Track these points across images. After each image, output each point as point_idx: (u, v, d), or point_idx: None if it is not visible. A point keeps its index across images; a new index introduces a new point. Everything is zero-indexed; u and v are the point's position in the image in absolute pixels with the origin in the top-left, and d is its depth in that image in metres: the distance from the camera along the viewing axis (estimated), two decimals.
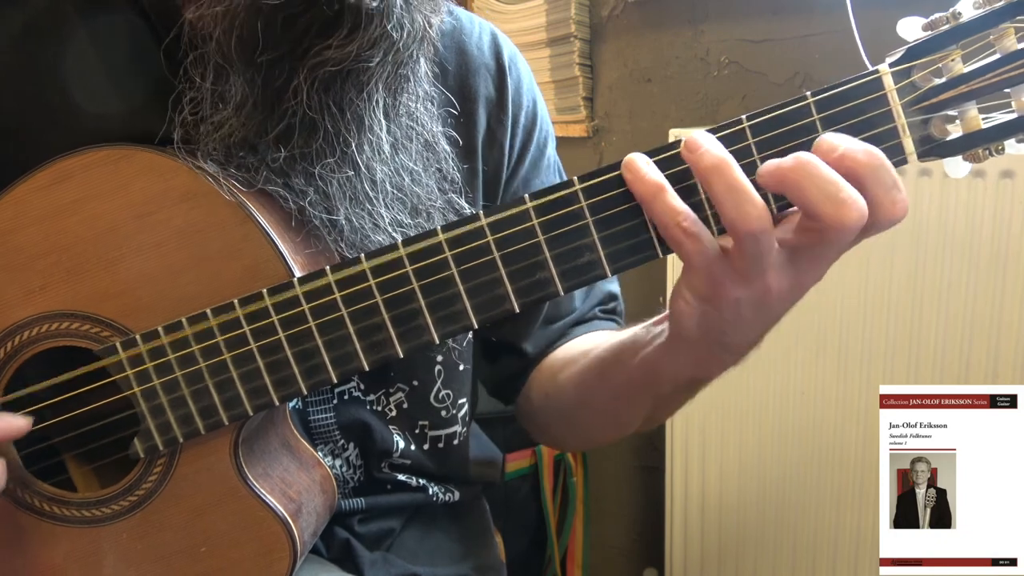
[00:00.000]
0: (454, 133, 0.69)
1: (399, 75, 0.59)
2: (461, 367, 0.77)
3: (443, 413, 0.77)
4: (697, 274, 0.51)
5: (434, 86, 0.71)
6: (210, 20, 0.55)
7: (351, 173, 0.59)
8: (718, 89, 1.47)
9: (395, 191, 0.62)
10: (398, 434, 0.75)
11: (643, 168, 0.50)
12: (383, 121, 0.60)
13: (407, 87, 0.62)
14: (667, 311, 0.58)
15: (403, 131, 0.63)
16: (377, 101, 0.59)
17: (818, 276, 0.52)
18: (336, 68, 0.55)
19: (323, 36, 0.54)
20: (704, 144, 0.49)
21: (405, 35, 0.56)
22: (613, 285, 0.84)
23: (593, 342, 0.74)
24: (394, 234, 0.61)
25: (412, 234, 0.62)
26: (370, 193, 0.60)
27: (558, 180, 0.82)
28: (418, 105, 0.64)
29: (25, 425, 0.58)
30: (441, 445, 0.77)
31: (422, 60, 0.62)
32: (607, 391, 0.68)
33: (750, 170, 0.50)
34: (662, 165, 0.51)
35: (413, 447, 0.76)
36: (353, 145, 0.58)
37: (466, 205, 0.68)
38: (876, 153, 0.47)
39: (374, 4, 0.53)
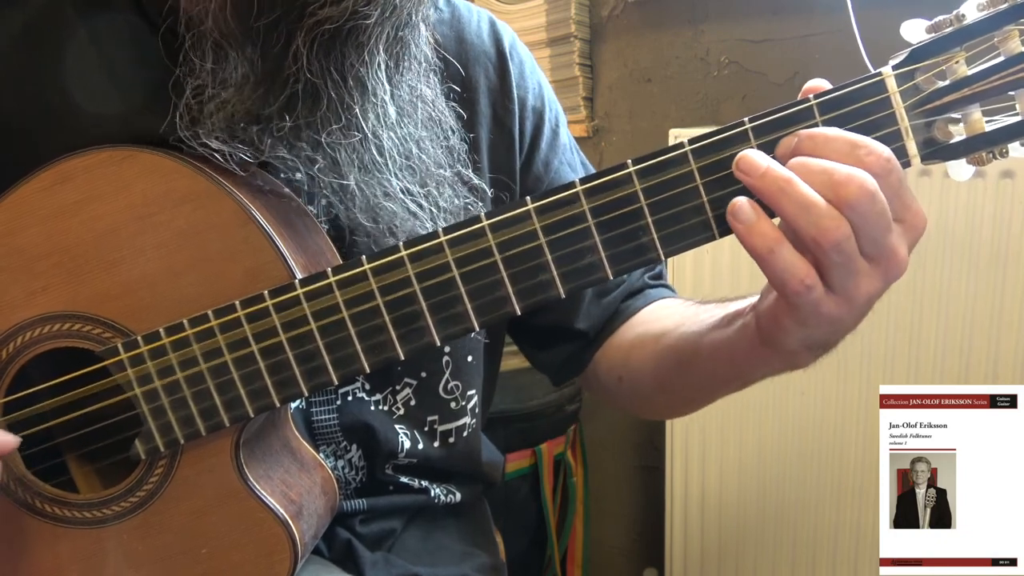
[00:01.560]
0: (460, 109, 0.69)
1: (399, 38, 0.58)
2: (469, 359, 0.77)
3: (452, 405, 0.76)
4: (800, 311, 0.51)
5: (436, 70, 0.70)
6: None
7: (358, 137, 0.58)
8: (718, 89, 1.47)
9: (403, 159, 0.61)
10: (405, 433, 0.74)
11: (757, 219, 0.49)
12: (387, 86, 0.59)
13: (409, 52, 0.61)
14: (747, 304, 0.59)
15: (407, 100, 0.62)
16: (379, 64, 0.58)
17: (902, 262, 0.51)
18: (334, 26, 0.54)
19: None
20: (762, 163, 0.49)
21: None
22: None
23: (662, 325, 0.73)
24: (406, 202, 0.61)
25: (423, 203, 0.62)
26: (378, 160, 0.60)
27: (579, 159, 0.82)
28: (421, 79, 0.64)
29: (11, 442, 0.58)
30: (452, 439, 0.77)
31: (422, 26, 0.61)
32: (692, 382, 0.69)
33: None
34: (661, 167, 0.51)
35: (421, 445, 0.75)
36: (357, 110, 0.58)
37: (475, 178, 0.68)
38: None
39: None
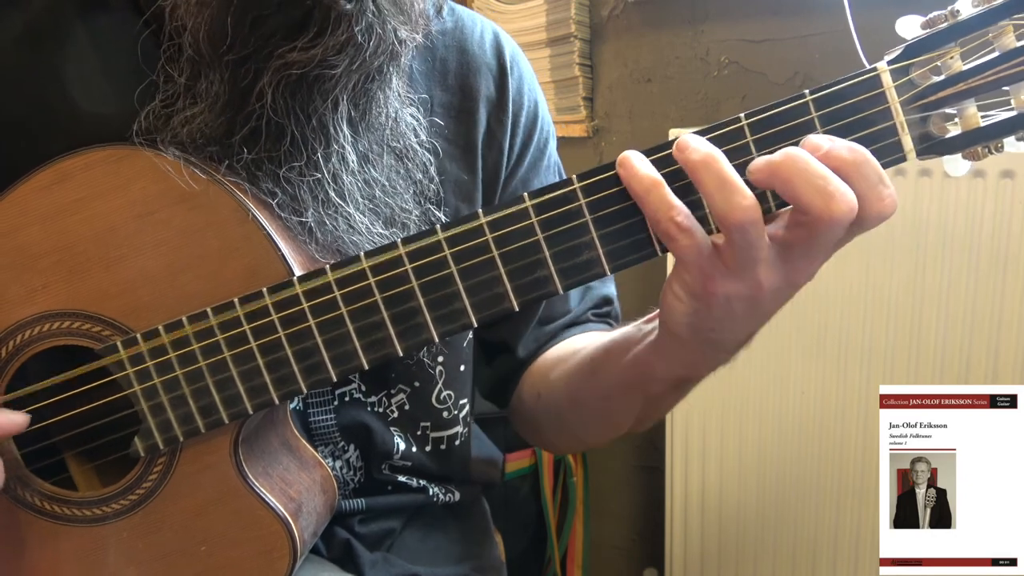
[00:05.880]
0: (435, 139, 0.69)
1: (366, 90, 0.60)
2: (462, 368, 0.77)
3: (445, 414, 0.77)
4: (689, 270, 0.51)
5: (428, 83, 0.71)
6: (185, 11, 0.55)
7: (317, 176, 0.59)
8: (718, 89, 1.47)
9: (366, 202, 0.62)
10: (399, 436, 0.75)
11: (637, 164, 0.51)
12: (348, 132, 0.60)
13: (376, 100, 0.62)
14: (658, 310, 0.58)
15: (372, 144, 0.63)
16: (342, 112, 0.59)
17: (810, 274, 0.52)
18: (300, 72, 0.55)
19: (289, 39, 0.54)
20: (693, 142, 0.50)
21: (373, 43, 0.56)
22: (610, 288, 0.83)
23: (585, 341, 0.74)
24: (371, 239, 0.61)
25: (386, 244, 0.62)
26: (337, 200, 0.60)
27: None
28: (392, 118, 0.64)
29: (23, 421, 0.58)
30: (443, 447, 0.77)
31: (394, 78, 0.62)
32: (598, 390, 0.68)
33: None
34: (658, 164, 0.51)
35: (414, 448, 0.75)
36: (319, 153, 0.59)
37: (443, 217, 0.69)
38: (859, 149, 0.48)
39: (347, 6, 0.54)
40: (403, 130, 0.66)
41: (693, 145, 0.49)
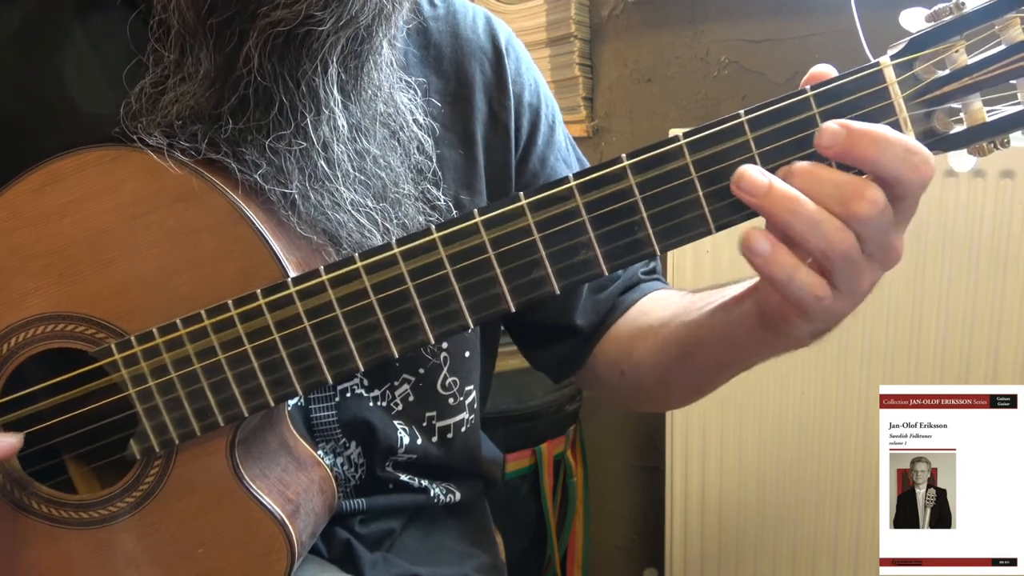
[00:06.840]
0: (432, 122, 0.69)
1: (355, 52, 0.59)
2: (467, 354, 0.77)
3: (450, 401, 0.76)
4: (812, 315, 0.52)
5: (424, 69, 0.70)
6: None
7: (305, 146, 0.58)
8: (718, 89, 1.47)
9: (357, 173, 0.61)
10: (403, 429, 0.74)
11: (769, 251, 0.49)
12: (339, 98, 0.59)
13: (367, 68, 0.61)
14: (744, 288, 0.59)
15: (365, 115, 0.62)
16: (331, 75, 0.58)
17: (899, 255, 0.51)
18: (287, 29, 0.54)
19: None
20: (764, 181, 0.48)
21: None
22: None
23: (660, 316, 0.73)
24: (356, 215, 0.61)
25: (377, 218, 0.61)
26: (327, 171, 0.59)
27: (575, 156, 0.82)
28: (384, 91, 0.63)
29: (16, 443, 0.58)
30: (450, 435, 0.77)
31: (385, 45, 0.61)
32: (691, 371, 0.69)
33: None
34: (656, 162, 0.51)
35: (420, 441, 0.75)
36: (309, 119, 0.58)
37: (442, 196, 0.68)
38: (877, 130, 0.47)
39: None
40: (399, 107, 0.65)
41: (765, 186, 0.48)
